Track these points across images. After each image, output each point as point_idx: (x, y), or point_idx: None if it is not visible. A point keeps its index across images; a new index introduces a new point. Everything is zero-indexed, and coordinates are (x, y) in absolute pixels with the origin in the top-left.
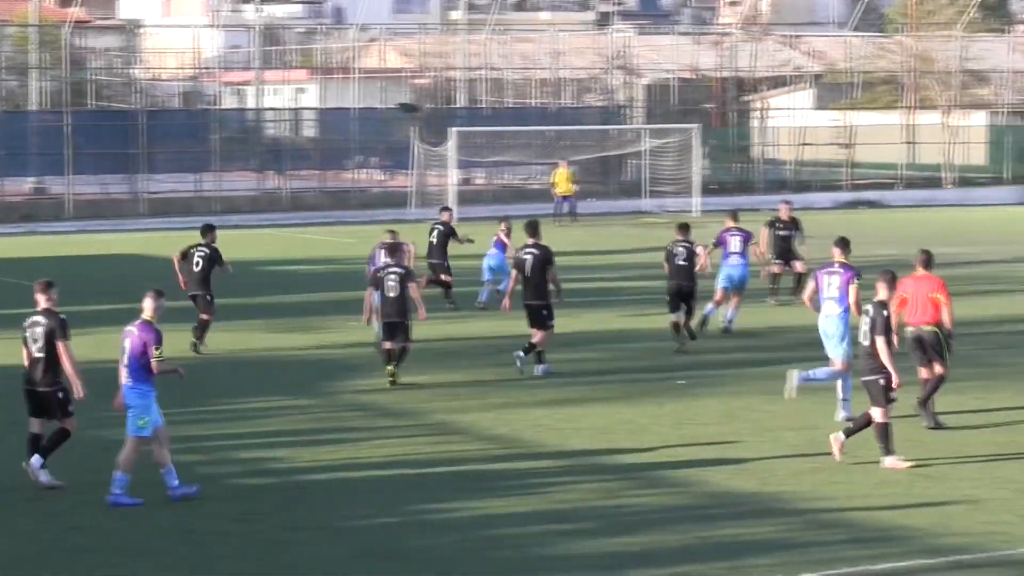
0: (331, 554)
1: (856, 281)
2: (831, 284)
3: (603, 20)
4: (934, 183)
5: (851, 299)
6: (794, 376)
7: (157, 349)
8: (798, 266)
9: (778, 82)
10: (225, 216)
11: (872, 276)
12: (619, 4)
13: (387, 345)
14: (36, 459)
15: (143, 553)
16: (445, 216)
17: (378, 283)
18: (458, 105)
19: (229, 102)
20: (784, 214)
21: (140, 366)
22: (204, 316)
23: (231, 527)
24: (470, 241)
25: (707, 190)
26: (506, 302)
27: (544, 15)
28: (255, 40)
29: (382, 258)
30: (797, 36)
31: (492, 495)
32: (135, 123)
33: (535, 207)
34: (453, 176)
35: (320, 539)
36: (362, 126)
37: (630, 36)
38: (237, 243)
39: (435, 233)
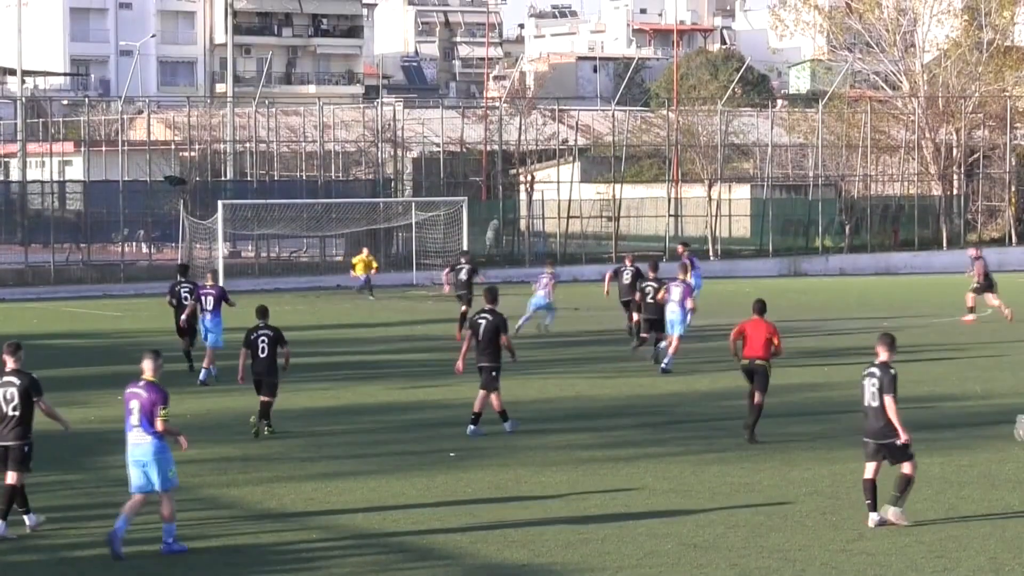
0: None
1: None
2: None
3: (370, 94)
4: (700, 255)
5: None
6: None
7: (163, 409)
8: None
9: (544, 155)
10: None
11: None
12: (386, 78)
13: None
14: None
15: None
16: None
17: (251, 344)
18: (226, 178)
19: None
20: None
21: (152, 423)
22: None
23: None
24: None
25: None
26: (459, 364)
27: (311, 88)
28: (19, 112)
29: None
30: (563, 110)
31: (262, 570)
32: None
33: (304, 280)
34: (221, 249)
35: None
36: (129, 199)
37: (397, 109)
38: (1, 317)
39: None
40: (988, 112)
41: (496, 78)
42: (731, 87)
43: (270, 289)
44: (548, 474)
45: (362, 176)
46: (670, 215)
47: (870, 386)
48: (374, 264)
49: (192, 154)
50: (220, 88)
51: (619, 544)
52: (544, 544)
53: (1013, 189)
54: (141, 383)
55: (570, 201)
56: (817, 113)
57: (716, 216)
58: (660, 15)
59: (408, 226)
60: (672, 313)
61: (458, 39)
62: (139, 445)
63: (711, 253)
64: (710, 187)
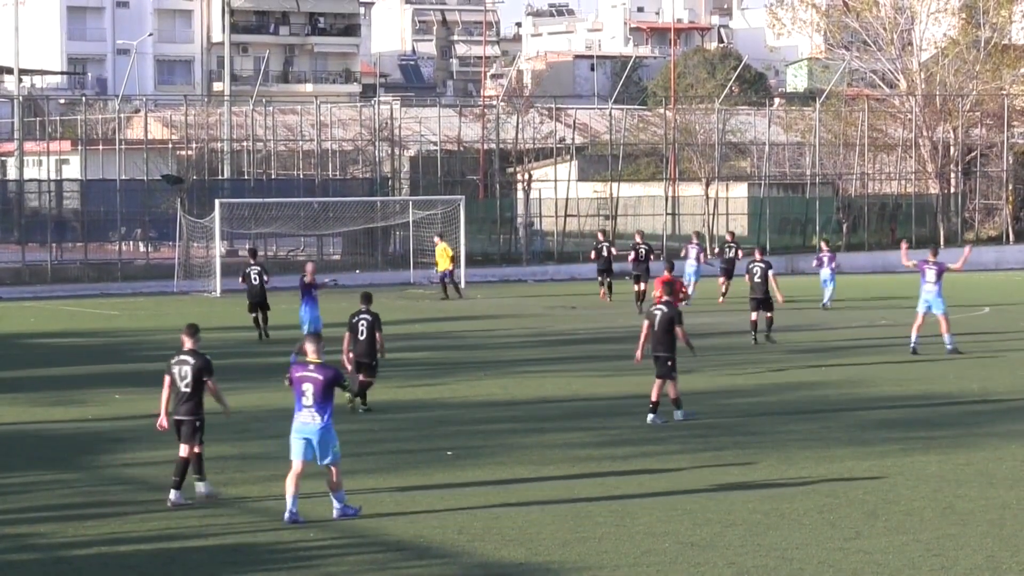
0: None
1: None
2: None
3: (367, 92)
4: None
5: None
6: None
7: (345, 383)
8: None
9: (542, 154)
10: None
11: None
12: (383, 77)
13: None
14: (201, 484)
15: None
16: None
17: (352, 328)
18: (223, 177)
19: None
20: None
21: (326, 401)
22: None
23: None
24: None
25: (473, 261)
26: (638, 354)
27: (308, 87)
28: (16, 111)
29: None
30: (560, 108)
31: (259, 568)
32: None
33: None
34: (219, 248)
35: None
36: (126, 198)
37: (395, 108)
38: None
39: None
40: (985, 110)
41: (493, 76)
42: (728, 85)
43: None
44: (545, 473)
45: (359, 175)
46: (667, 213)
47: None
48: (449, 254)
49: (189, 153)
50: (217, 87)
51: (616, 543)
52: (541, 543)
53: (1010, 187)
54: (311, 367)
55: (567, 199)
56: (814, 111)
57: (713, 214)
58: (657, 13)
59: (405, 225)
60: (928, 293)
61: (455, 38)
62: (308, 424)
63: (708, 251)
64: (707, 185)
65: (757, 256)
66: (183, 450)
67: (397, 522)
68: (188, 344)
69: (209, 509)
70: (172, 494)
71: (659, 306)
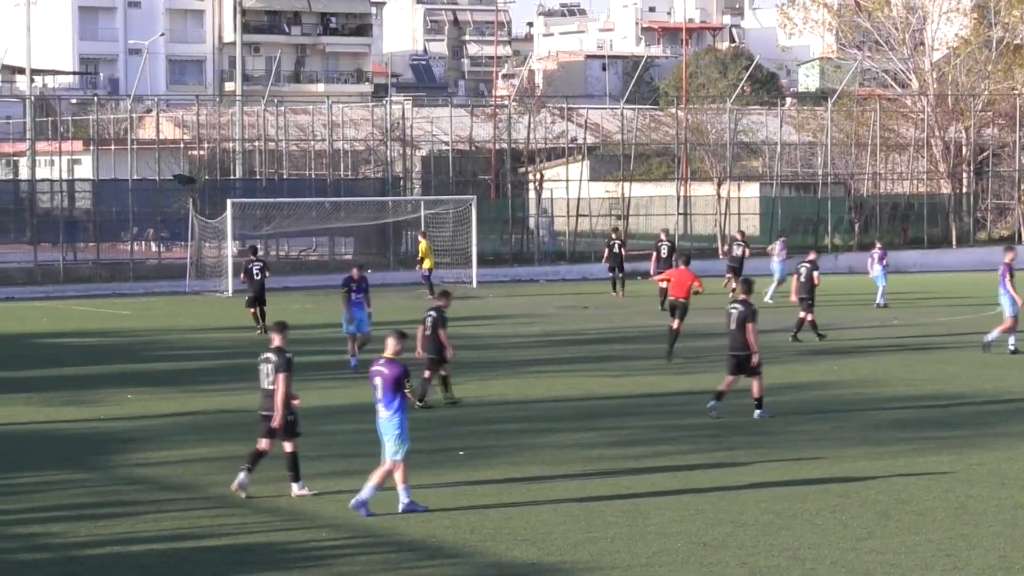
0: None
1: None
2: None
3: (379, 92)
4: (709, 254)
5: None
6: None
7: (407, 381)
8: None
9: (553, 154)
10: None
11: None
12: (395, 76)
13: (426, 374)
14: (295, 483)
15: None
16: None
17: (423, 323)
18: (235, 177)
19: (1, 173)
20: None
21: (393, 396)
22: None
23: None
24: None
25: (484, 261)
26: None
27: (320, 87)
28: (28, 111)
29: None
30: (571, 108)
31: (271, 568)
32: None
33: (312, 278)
34: (230, 248)
35: None
36: (138, 198)
37: (406, 108)
38: (11, 315)
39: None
40: (997, 110)
41: (505, 76)
42: (740, 85)
43: (279, 288)
44: (557, 472)
45: (371, 175)
46: (679, 213)
47: None
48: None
49: (201, 153)
50: (229, 87)
51: (628, 543)
52: (553, 543)
53: (1022, 187)
54: (382, 362)
55: (579, 199)
56: (826, 111)
57: (725, 214)
58: (669, 13)
59: (417, 224)
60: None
61: (467, 37)
62: (378, 418)
63: (719, 252)
64: (719, 185)
65: (810, 256)
66: (262, 443)
67: (409, 522)
68: (276, 341)
69: (221, 509)
70: (241, 475)
71: (735, 304)
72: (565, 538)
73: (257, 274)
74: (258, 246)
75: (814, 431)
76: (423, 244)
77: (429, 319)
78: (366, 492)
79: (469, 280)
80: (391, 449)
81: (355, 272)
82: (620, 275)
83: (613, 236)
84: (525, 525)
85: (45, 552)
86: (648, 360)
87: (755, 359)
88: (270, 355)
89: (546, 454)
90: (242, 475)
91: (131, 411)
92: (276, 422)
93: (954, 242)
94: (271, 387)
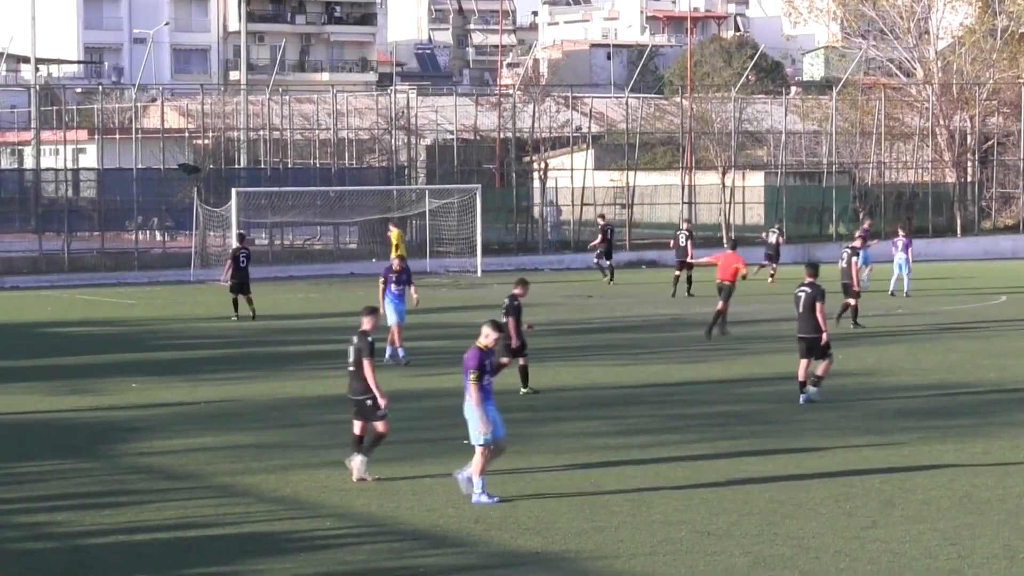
0: None
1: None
2: None
3: (384, 81)
4: (714, 243)
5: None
6: None
7: (473, 372)
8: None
9: (558, 143)
10: (3, 278)
11: None
12: (400, 66)
13: (505, 360)
14: (358, 458)
15: None
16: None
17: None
18: (239, 166)
19: (6, 162)
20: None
21: (467, 385)
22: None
23: None
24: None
25: (489, 250)
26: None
27: (324, 76)
28: (33, 100)
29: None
30: (576, 97)
31: (276, 557)
32: None
33: (317, 268)
34: (235, 237)
35: None
36: (143, 187)
37: (411, 97)
38: (16, 305)
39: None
40: (1002, 99)
41: (510, 65)
42: (745, 74)
43: (284, 277)
44: (562, 462)
45: (375, 164)
46: (684, 202)
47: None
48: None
49: (206, 142)
50: (234, 76)
51: (633, 531)
52: (558, 531)
53: None
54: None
55: (584, 188)
56: (831, 100)
57: (730, 203)
58: (674, 2)
59: (422, 214)
60: None
61: (472, 26)
62: (464, 404)
63: (724, 240)
64: (724, 174)
65: (855, 244)
66: (356, 427)
67: (414, 511)
68: (365, 325)
69: (226, 499)
70: (356, 458)
71: (803, 287)
72: (570, 527)
73: (243, 262)
74: (245, 233)
75: (818, 420)
76: (394, 232)
77: (503, 307)
78: (476, 485)
79: (474, 269)
80: (471, 433)
81: (396, 263)
82: (609, 263)
83: (602, 222)
84: (530, 514)
85: (49, 541)
86: (653, 349)
87: (824, 338)
88: (355, 338)
89: (551, 443)
90: (357, 459)
91: (136, 400)
92: (382, 404)
93: (959, 231)
94: (352, 369)
